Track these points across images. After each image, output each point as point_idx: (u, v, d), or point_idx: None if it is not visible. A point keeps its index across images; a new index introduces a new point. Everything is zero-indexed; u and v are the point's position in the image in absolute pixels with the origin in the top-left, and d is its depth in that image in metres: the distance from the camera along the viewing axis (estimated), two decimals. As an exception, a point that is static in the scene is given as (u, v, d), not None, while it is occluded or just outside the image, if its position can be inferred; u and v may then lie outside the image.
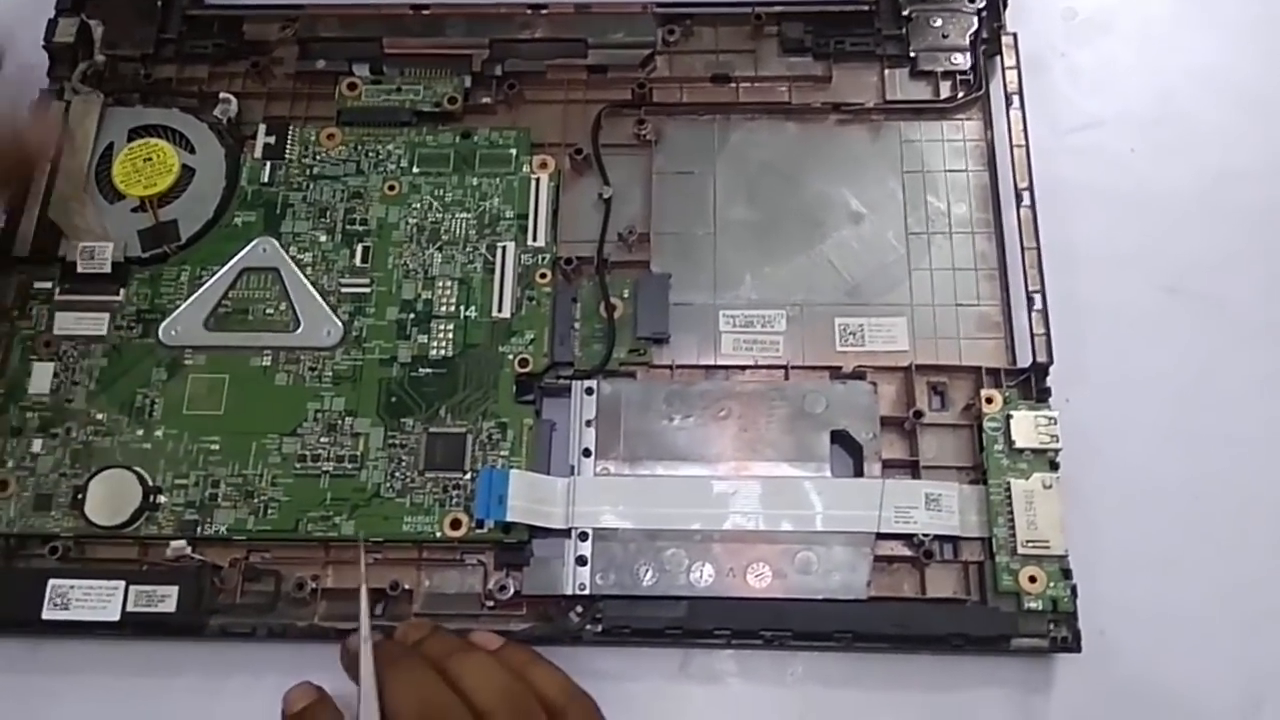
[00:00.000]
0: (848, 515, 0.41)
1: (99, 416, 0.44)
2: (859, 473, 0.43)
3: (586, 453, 0.43)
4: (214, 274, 0.47)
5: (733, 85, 0.50)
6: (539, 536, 0.43)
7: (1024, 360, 0.45)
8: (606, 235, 0.48)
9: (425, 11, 0.51)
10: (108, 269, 0.46)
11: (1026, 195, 0.46)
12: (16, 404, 0.45)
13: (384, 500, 0.43)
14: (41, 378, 0.45)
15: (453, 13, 0.51)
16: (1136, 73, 0.52)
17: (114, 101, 0.50)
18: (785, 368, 0.45)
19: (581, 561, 0.41)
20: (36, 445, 0.44)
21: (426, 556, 0.43)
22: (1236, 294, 0.48)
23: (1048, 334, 0.44)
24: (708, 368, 0.46)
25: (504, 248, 0.47)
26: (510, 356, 0.45)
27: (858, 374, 0.45)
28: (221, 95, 0.50)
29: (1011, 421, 0.43)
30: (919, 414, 0.43)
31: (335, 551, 0.43)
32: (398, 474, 0.43)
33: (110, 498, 0.43)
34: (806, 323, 0.46)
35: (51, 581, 0.41)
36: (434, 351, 0.45)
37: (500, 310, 0.46)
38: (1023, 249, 0.45)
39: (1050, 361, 0.43)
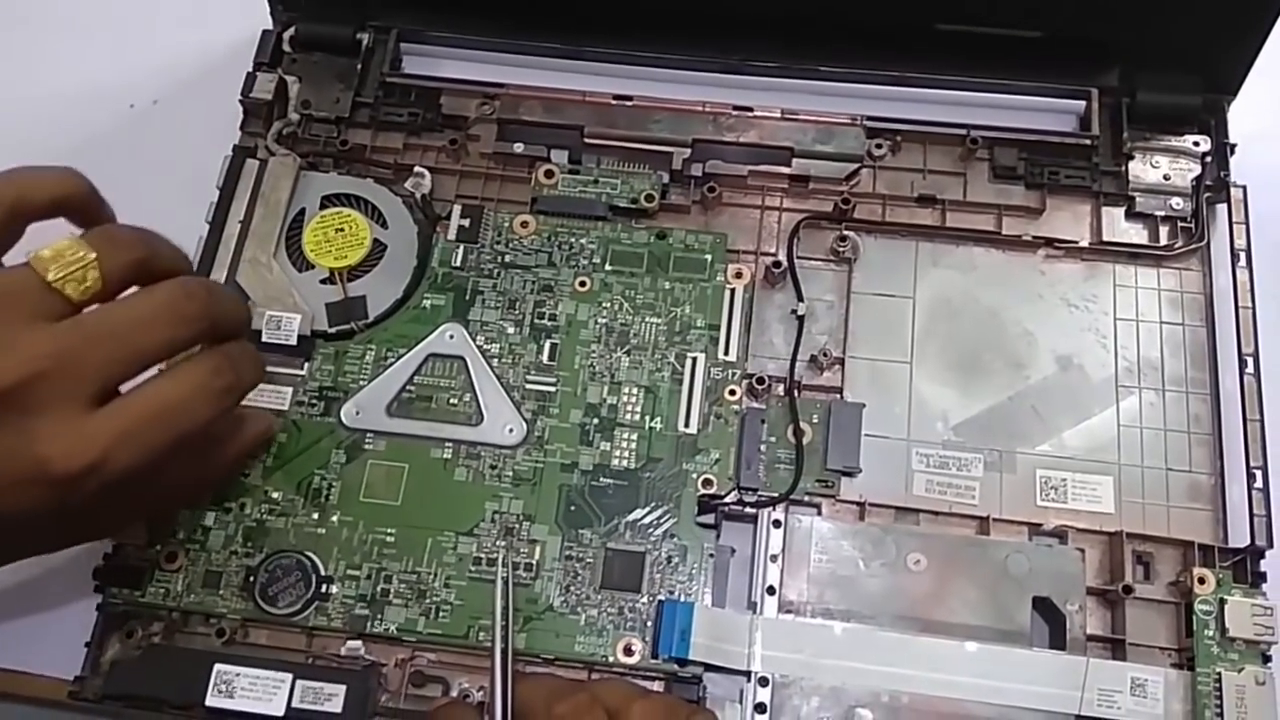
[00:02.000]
0: (1048, 693, 0.39)
1: (274, 495, 0.44)
2: (1059, 644, 0.40)
3: (770, 590, 0.41)
4: (400, 357, 0.46)
5: (939, 208, 0.49)
6: (712, 670, 0.41)
7: (1238, 538, 0.42)
8: (798, 354, 0.46)
9: (629, 103, 0.50)
10: (294, 341, 0.45)
11: (1250, 361, 0.44)
12: (192, 473, 0.44)
13: (558, 615, 0.42)
14: (218, 448, 0.44)
15: (657, 106, 0.50)
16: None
17: (307, 165, 0.49)
18: (983, 519, 0.43)
19: (760, 709, 0.40)
20: (209, 519, 0.43)
21: (595, 680, 0.41)
22: None
23: (1268, 515, 0.41)
24: (899, 509, 0.44)
25: (694, 359, 0.46)
26: (694, 475, 0.44)
27: (1058, 533, 0.43)
28: (416, 169, 0.49)
29: (1225, 607, 0.40)
30: (1128, 589, 0.41)
31: (503, 663, 0.41)
32: (573, 589, 0.42)
33: (284, 588, 0.42)
34: (1005, 470, 0.44)
35: (217, 666, 0.41)
36: (616, 461, 0.44)
37: (687, 425, 0.45)
38: (1245, 420, 0.43)
39: (1270, 545, 0.41)
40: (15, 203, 0.35)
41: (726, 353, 0.46)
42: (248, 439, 0.43)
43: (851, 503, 0.44)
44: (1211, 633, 0.40)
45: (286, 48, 0.52)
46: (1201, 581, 0.41)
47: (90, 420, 0.33)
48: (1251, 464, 0.42)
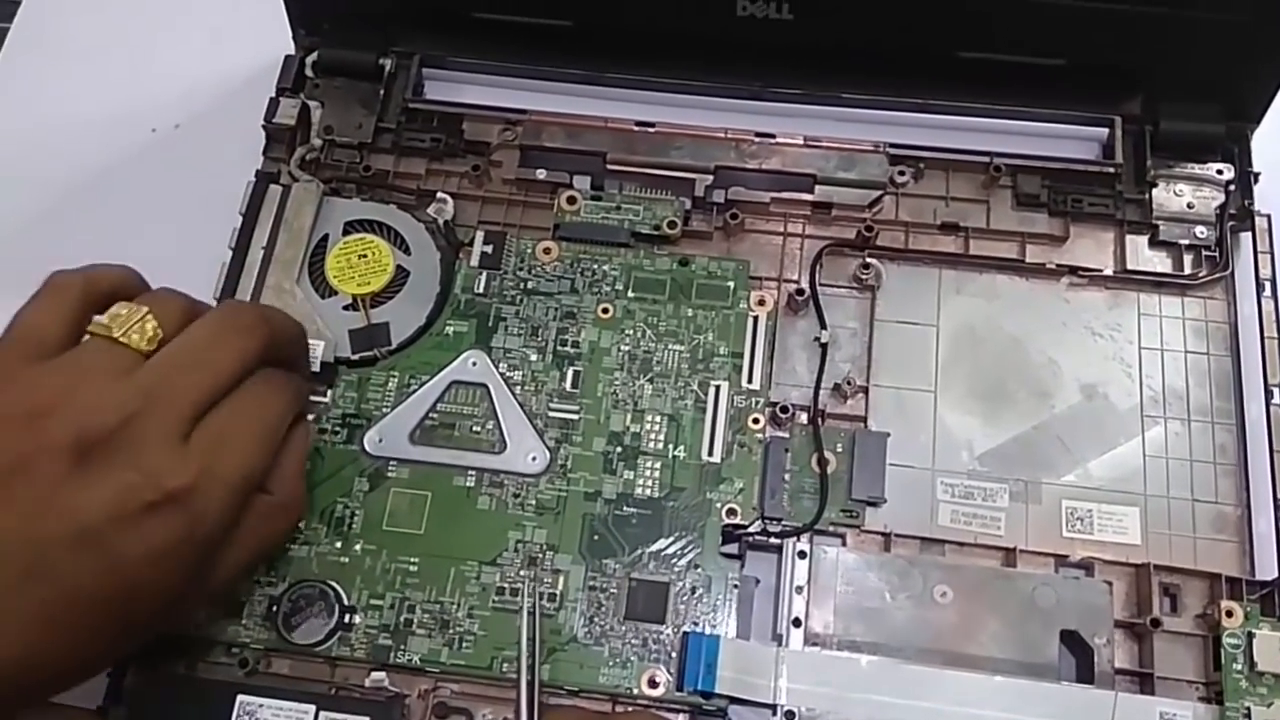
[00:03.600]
0: (1076, 728, 0.39)
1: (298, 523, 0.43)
2: (1087, 678, 0.40)
3: (796, 622, 0.41)
4: (423, 384, 0.46)
5: (962, 235, 0.49)
6: (737, 703, 0.41)
7: (1265, 570, 0.42)
8: (822, 382, 0.46)
9: (652, 129, 0.50)
10: (316, 367, 0.45)
11: (1276, 392, 0.44)
12: (215, 500, 0.44)
13: (581, 646, 0.41)
14: (242, 476, 0.44)
15: (680, 133, 0.50)
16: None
17: (330, 190, 0.49)
18: (1009, 551, 0.43)
19: (787, 742, 0.39)
20: (233, 547, 0.43)
21: (619, 712, 0.41)
22: None
23: (1296, 548, 0.41)
24: (924, 539, 0.43)
25: (717, 387, 0.46)
26: (718, 505, 0.44)
27: (1085, 565, 0.43)
28: (439, 194, 0.49)
29: (1254, 641, 0.40)
30: (1156, 622, 0.41)
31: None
32: (597, 619, 0.42)
33: (308, 617, 0.41)
34: (1031, 500, 0.44)
35: (240, 697, 0.40)
36: (640, 490, 0.44)
37: (710, 454, 0.45)
38: (1271, 451, 0.43)
39: (1298, 578, 0.41)
40: (85, 287, 0.37)
41: (750, 381, 0.46)
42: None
43: (876, 533, 0.44)
44: (1240, 667, 0.40)
45: (309, 73, 0.52)
46: (1229, 615, 0.41)
47: (189, 442, 0.35)
48: (1278, 496, 0.42)
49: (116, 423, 0.34)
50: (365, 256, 0.47)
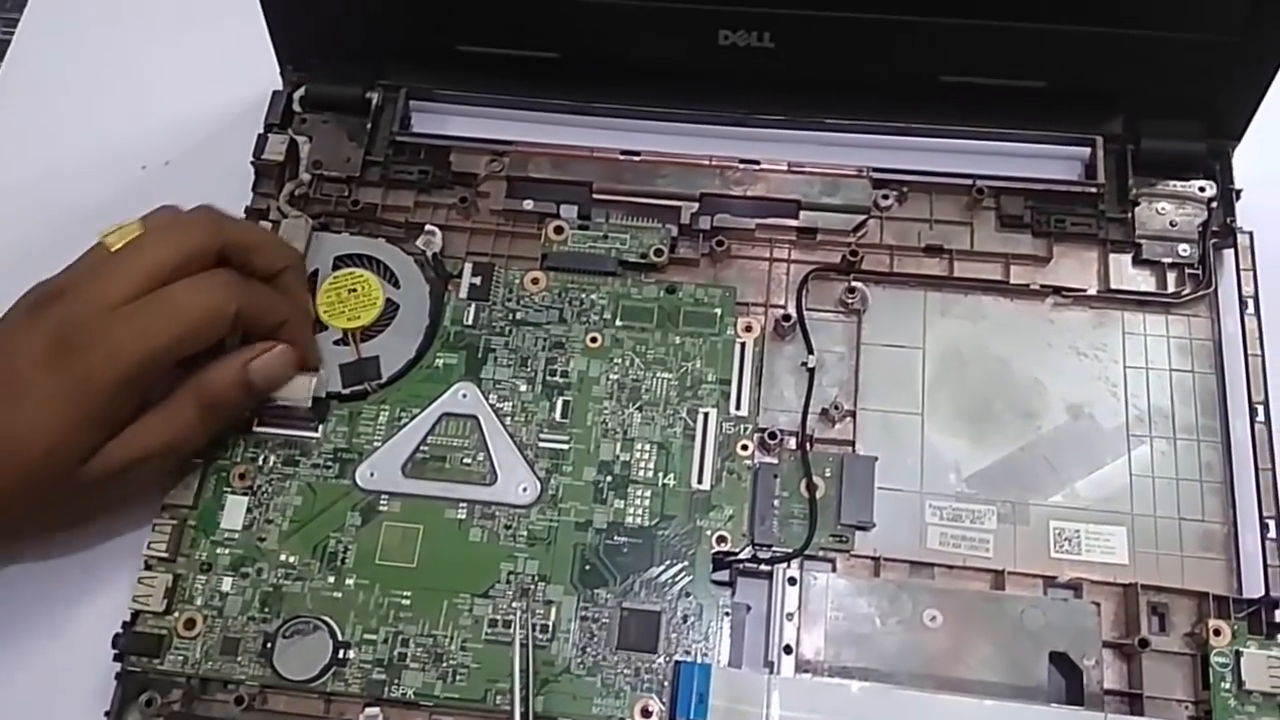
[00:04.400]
0: (1067, 750, 0.39)
1: (290, 559, 0.44)
2: (1076, 699, 0.40)
3: (788, 649, 0.42)
4: (413, 416, 0.46)
5: (946, 257, 0.49)
6: (730, 730, 0.41)
7: (1252, 589, 0.42)
8: (810, 407, 0.46)
9: (637, 158, 0.50)
10: (308, 403, 0.45)
11: (1261, 410, 0.44)
12: (208, 537, 0.44)
13: (574, 677, 0.42)
14: (234, 513, 0.45)
15: (665, 161, 0.50)
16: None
17: (319, 225, 0.50)
18: (997, 573, 0.43)
19: (780, 769, 0.40)
20: (226, 584, 0.43)
21: (612, 742, 0.41)
22: None
23: (1284, 566, 0.41)
24: (913, 563, 0.44)
25: (706, 414, 0.46)
26: (708, 532, 0.44)
27: (1073, 585, 0.43)
28: (427, 227, 0.50)
29: (1242, 660, 0.40)
30: (1144, 642, 0.41)
31: (521, 726, 0.41)
32: (589, 649, 0.42)
33: (303, 652, 0.42)
34: (1018, 522, 0.44)
35: (236, 734, 0.41)
36: (630, 519, 0.44)
37: (700, 481, 0.45)
38: (1257, 468, 0.43)
39: (1285, 596, 0.41)
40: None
41: (738, 407, 0.46)
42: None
43: (866, 557, 0.44)
44: (1228, 685, 0.40)
45: (297, 108, 0.52)
46: (1217, 633, 0.41)
47: (111, 314, 0.40)
48: (1264, 514, 0.42)
49: (57, 288, 0.41)
50: (355, 291, 0.48)
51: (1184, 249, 0.48)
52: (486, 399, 0.46)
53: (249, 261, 0.43)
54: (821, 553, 0.44)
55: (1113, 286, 0.48)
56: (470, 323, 0.48)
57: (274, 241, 0.46)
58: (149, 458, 0.42)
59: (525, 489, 0.45)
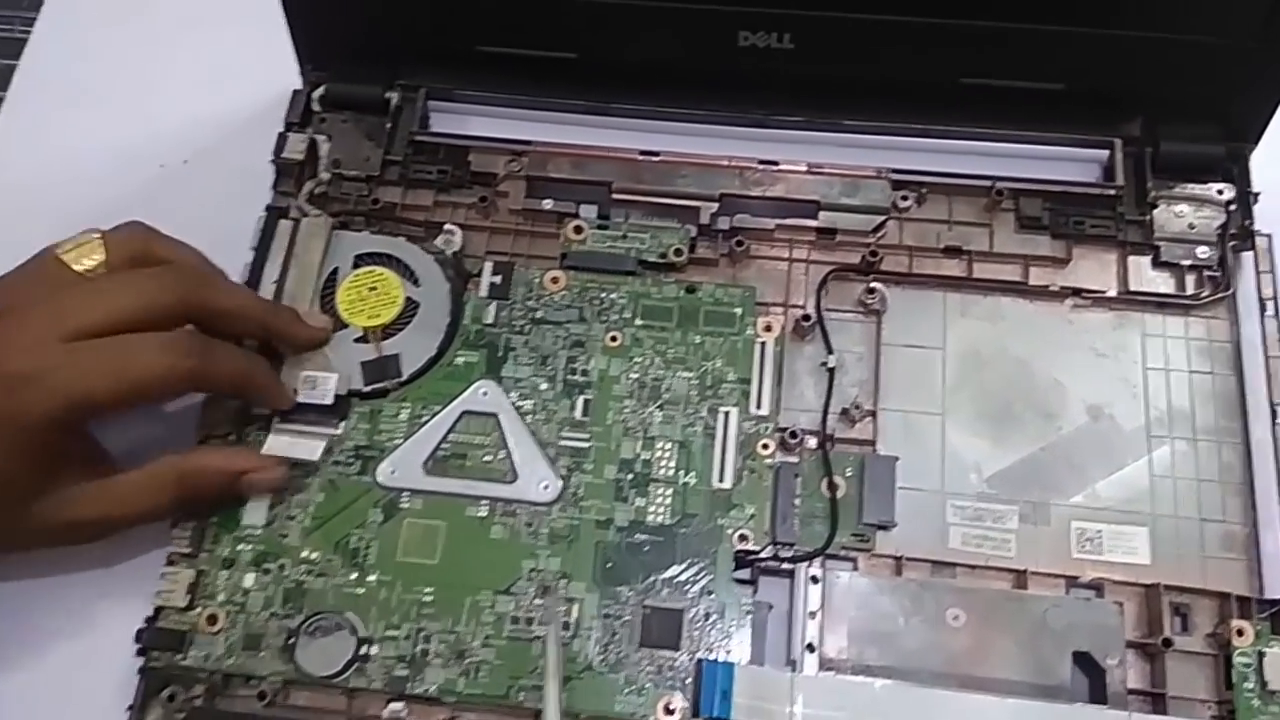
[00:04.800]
0: (1091, 749, 0.39)
1: (313, 555, 0.44)
2: (1099, 699, 0.41)
3: (810, 648, 0.42)
4: (434, 414, 0.46)
5: (965, 258, 0.49)
6: (753, 728, 0.41)
7: (1274, 588, 0.42)
8: (830, 406, 0.46)
9: (656, 159, 0.50)
10: (329, 400, 0.45)
11: (1280, 410, 0.44)
12: (230, 533, 0.44)
13: (597, 674, 0.42)
14: (257, 509, 0.44)
15: (684, 162, 0.50)
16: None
17: (339, 224, 0.50)
18: (1019, 573, 0.43)
19: (803, 767, 0.40)
20: (249, 580, 0.43)
21: (636, 741, 0.41)
22: None
23: (1304, 565, 0.41)
24: (935, 563, 0.44)
25: (726, 413, 0.46)
26: (730, 531, 0.44)
27: (1095, 585, 0.43)
28: (446, 226, 0.50)
29: (1264, 660, 0.40)
30: (1168, 642, 0.41)
31: (543, 723, 0.41)
32: (611, 646, 0.42)
33: (325, 648, 0.42)
34: (1040, 522, 0.44)
35: (258, 730, 0.41)
36: (651, 517, 0.44)
37: (721, 480, 0.45)
38: (1278, 469, 0.44)
39: (1307, 596, 0.41)
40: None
41: (759, 406, 0.46)
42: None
43: (888, 557, 0.44)
44: (1251, 686, 0.40)
45: (316, 107, 0.52)
46: (1240, 634, 0.41)
47: (59, 345, 0.39)
48: (1285, 514, 0.42)
49: (9, 304, 0.40)
50: (375, 289, 0.48)
51: (1203, 251, 0.48)
52: (507, 397, 0.46)
53: (218, 324, 0.43)
54: (843, 552, 0.44)
55: (1132, 288, 0.48)
56: (490, 321, 0.48)
57: (247, 299, 0.45)
58: (114, 520, 0.42)
59: (546, 487, 0.45)
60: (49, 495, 0.40)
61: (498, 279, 0.49)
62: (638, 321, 0.48)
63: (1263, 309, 0.46)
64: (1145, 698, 0.41)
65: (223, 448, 0.45)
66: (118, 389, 0.39)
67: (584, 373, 0.47)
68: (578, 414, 0.46)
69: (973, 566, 0.44)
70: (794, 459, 0.46)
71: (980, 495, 0.45)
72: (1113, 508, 0.44)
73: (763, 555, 0.43)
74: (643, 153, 0.51)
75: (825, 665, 0.41)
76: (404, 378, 0.47)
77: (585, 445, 0.46)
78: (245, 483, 0.43)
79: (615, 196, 0.50)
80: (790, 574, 0.43)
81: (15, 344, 0.38)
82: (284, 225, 0.49)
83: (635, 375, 0.47)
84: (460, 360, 0.47)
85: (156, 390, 0.41)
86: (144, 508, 0.42)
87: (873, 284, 0.49)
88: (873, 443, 0.46)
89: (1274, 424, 0.44)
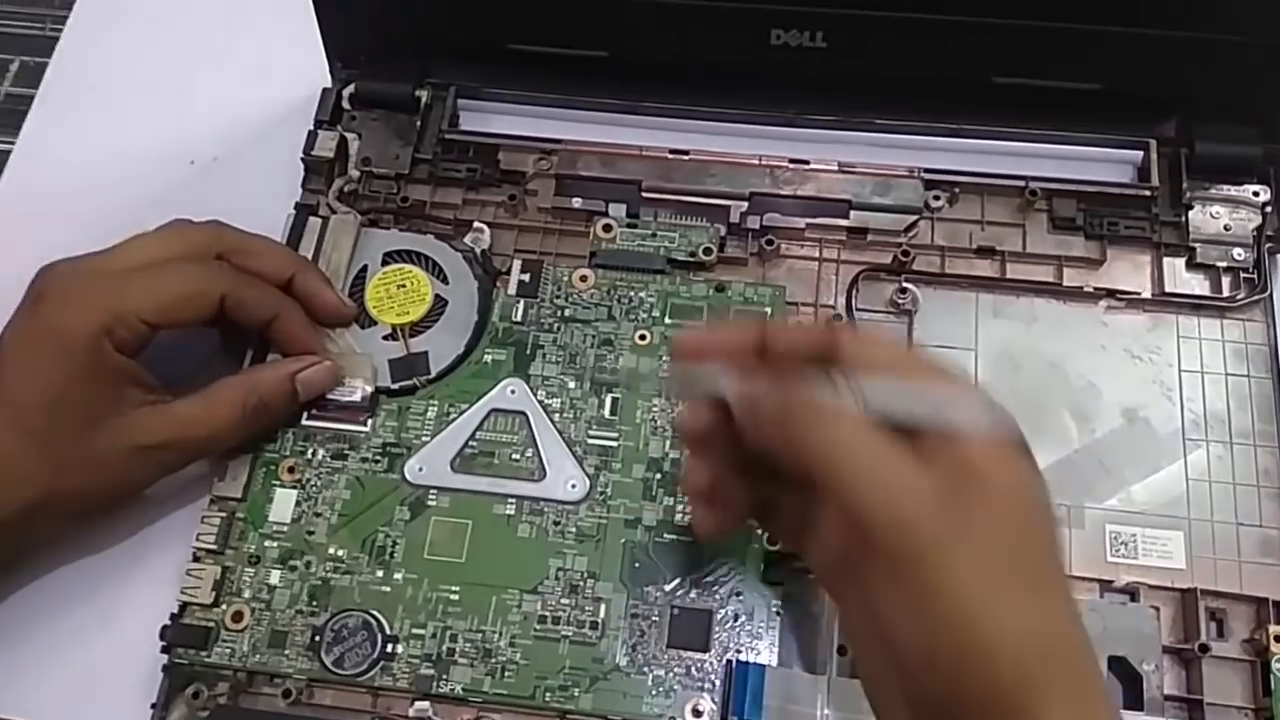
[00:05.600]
0: (1127, 755, 0.38)
1: (339, 553, 0.44)
2: (1136, 705, 0.40)
3: (841, 650, 0.41)
4: (462, 412, 0.46)
5: (998, 259, 0.49)
6: (782, 731, 0.40)
7: (1313, 595, 0.42)
8: (860, 408, 0.46)
9: (686, 157, 0.50)
10: (358, 398, 0.45)
11: (1319, 414, 0.43)
12: (257, 530, 0.44)
13: (624, 675, 0.41)
14: (283, 506, 0.44)
15: (714, 160, 0.50)
16: None
17: (368, 221, 0.50)
18: (1054, 576, 0.42)
19: (833, 771, 0.39)
20: (274, 577, 0.43)
21: (662, 739, 0.41)
22: None
23: (1344, 574, 0.41)
24: (966, 565, 0.43)
25: (756, 413, 0.45)
26: (759, 531, 0.43)
27: (1129, 590, 0.42)
28: (475, 224, 0.49)
29: (1303, 667, 0.40)
30: (1204, 648, 0.40)
31: (570, 723, 0.41)
32: (639, 648, 0.42)
33: (351, 648, 0.41)
34: (1074, 525, 0.44)
35: (284, 727, 0.40)
36: (680, 517, 0.44)
37: (750, 480, 0.44)
38: (1316, 474, 0.43)
39: (1346, 605, 0.40)
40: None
41: (788, 407, 0.46)
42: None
43: (918, 559, 0.43)
44: (1290, 693, 0.40)
45: (346, 105, 0.52)
46: (1277, 640, 0.40)
47: (104, 277, 0.42)
48: (1323, 519, 0.42)
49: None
50: (404, 286, 0.47)
51: (1238, 253, 0.48)
52: (535, 395, 0.46)
53: (249, 264, 0.45)
54: (873, 554, 0.43)
55: (1167, 290, 0.48)
56: (519, 319, 0.48)
57: (277, 248, 0.47)
58: (184, 442, 0.42)
59: (574, 485, 0.44)
60: (111, 419, 0.41)
61: (526, 277, 0.48)
62: (666, 320, 0.48)
63: (1300, 312, 0.45)
64: (1181, 704, 0.40)
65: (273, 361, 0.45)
66: (156, 303, 0.42)
67: (613, 371, 0.47)
68: (606, 412, 0.46)
69: (1005, 570, 0.43)
70: (824, 460, 0.45)
71: (1013, 498, 0.44)
72: (1148, 511, 0.44)
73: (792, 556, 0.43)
74: (673, 151, 0.50)
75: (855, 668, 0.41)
76: (432, 375, 0.46)
77: (614, 444, 0.45)
78: (301, 381, 0.44)
79: (645, 195, 0.50)
80: (820, 576, 0.43)
81: (58, 276, 0.42)
82: (313, 223, 0.49)
83: (664, 374, 0.47)
84: (488, 358, 0.47)
85: (191, 310, 0.43)
86: (208, 430, 0.43)
87: (904, 284, 0.48)
88: (904, 444, 0.45)
89: (1313, 428, 0.43)
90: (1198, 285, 0.48)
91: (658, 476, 0.45)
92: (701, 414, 0.36)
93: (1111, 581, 0.42)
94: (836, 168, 0.50)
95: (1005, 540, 0.30)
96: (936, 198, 0.49)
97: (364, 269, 0.48)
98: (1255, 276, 0.47)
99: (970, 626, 0.29)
